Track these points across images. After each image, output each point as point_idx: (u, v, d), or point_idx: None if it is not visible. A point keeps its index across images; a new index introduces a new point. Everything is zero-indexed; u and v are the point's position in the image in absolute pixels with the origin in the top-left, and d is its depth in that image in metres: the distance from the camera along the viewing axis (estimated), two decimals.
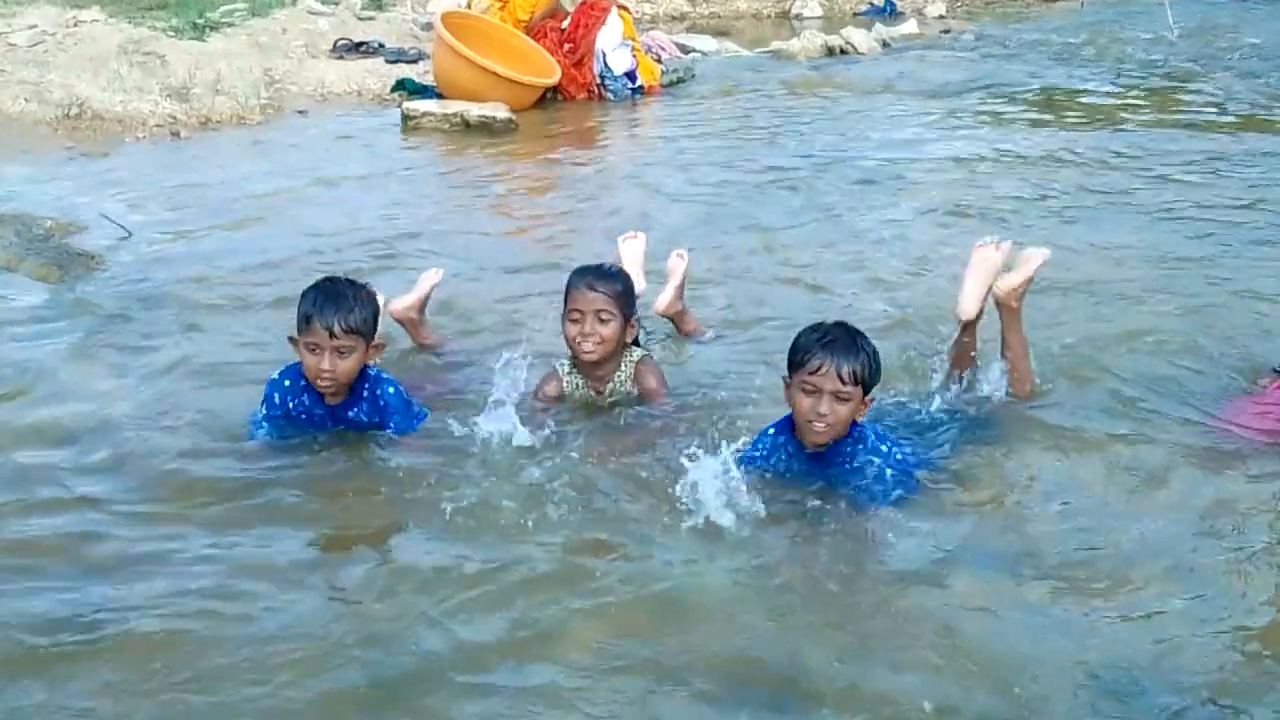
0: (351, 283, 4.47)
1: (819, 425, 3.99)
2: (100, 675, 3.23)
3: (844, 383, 3.93)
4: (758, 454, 4.21)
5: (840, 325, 4.09)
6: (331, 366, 4.31)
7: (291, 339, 4.42)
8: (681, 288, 5.47)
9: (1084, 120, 10.52)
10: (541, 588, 3.60)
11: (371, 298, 4.46)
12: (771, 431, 4.23)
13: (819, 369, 3.95)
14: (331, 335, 4.27)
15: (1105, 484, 4.23)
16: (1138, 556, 3.76)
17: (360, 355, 4.37)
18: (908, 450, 4.21)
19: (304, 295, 4.39)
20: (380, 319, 4.57)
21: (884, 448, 4.11)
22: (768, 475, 4.16)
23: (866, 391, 4.01)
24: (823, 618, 3.48)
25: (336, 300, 4.30)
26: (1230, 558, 3.75)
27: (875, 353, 4.05)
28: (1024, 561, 3.74)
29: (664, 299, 5.37)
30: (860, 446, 4.09)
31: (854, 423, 4.05)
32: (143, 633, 3.41)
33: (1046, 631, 3.39)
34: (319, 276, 4.56)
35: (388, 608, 3.51)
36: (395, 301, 5.31)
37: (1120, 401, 4.83)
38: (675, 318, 5.48)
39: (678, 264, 5.47)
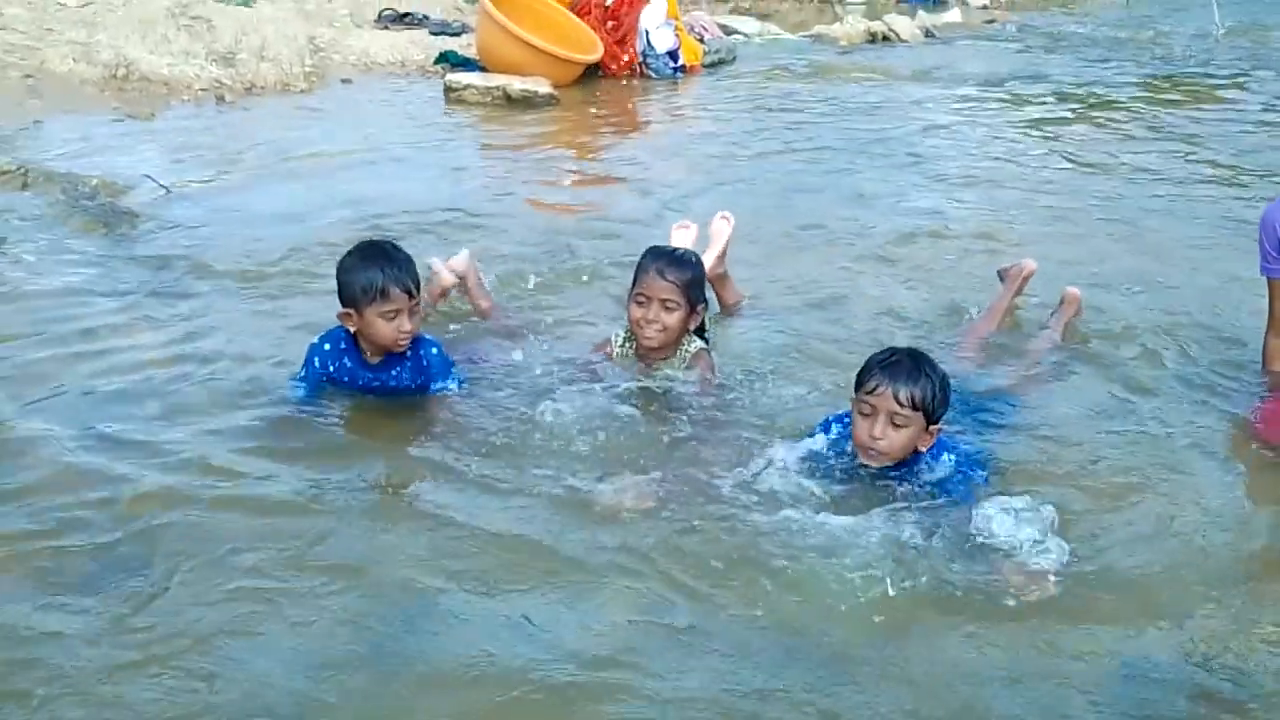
0: (384, 241, 4.54)
1: (871, 450, 3.91)
2: (131, 619, 3.29)
3: (901, 405, 3.83)
4: (819, 444, 4.12)
5: (909, 350, 4.00)
6: (412, 325, 4.40)
7: (344, 314, 4.41)
8: (724, 253, 5.46)
9: (1125, 114, 10.48)
10: (570, 562, 3.59)
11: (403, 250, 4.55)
12: (836, 428, 4.13)
13: (875, 389, 3.86)
14: (410, 296, 4.35)
15: (1148, 484, 4.18)
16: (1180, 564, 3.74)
17: (420, 308, 4.50)
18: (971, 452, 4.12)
19: (356, 267, 4.36)
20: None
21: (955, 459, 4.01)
22: (821, 466, 4.06)
23: (931, 420, 3.92)
24: (854, 610, 3.46)
25: (399, 262, 4.36)
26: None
27: (944, 381, 3.93)
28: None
29: (707, 263, 5.23)
30: (925, 467, 3.98)
31: (918, 452, 3.96)
32: (180, 582, 3.46)
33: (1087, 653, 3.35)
34: (354, 243, 4.59)
35: (411, 572, 3.53)
36: (452, 260, 5.33)
37: (1159, 392, 4.85)
38: (716, 282, 5.43)
39: (722, 226, 5.48)
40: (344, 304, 4.41)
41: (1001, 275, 5.63)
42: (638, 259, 4.74)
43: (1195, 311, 5.64)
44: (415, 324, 4.44)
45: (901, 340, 5.25)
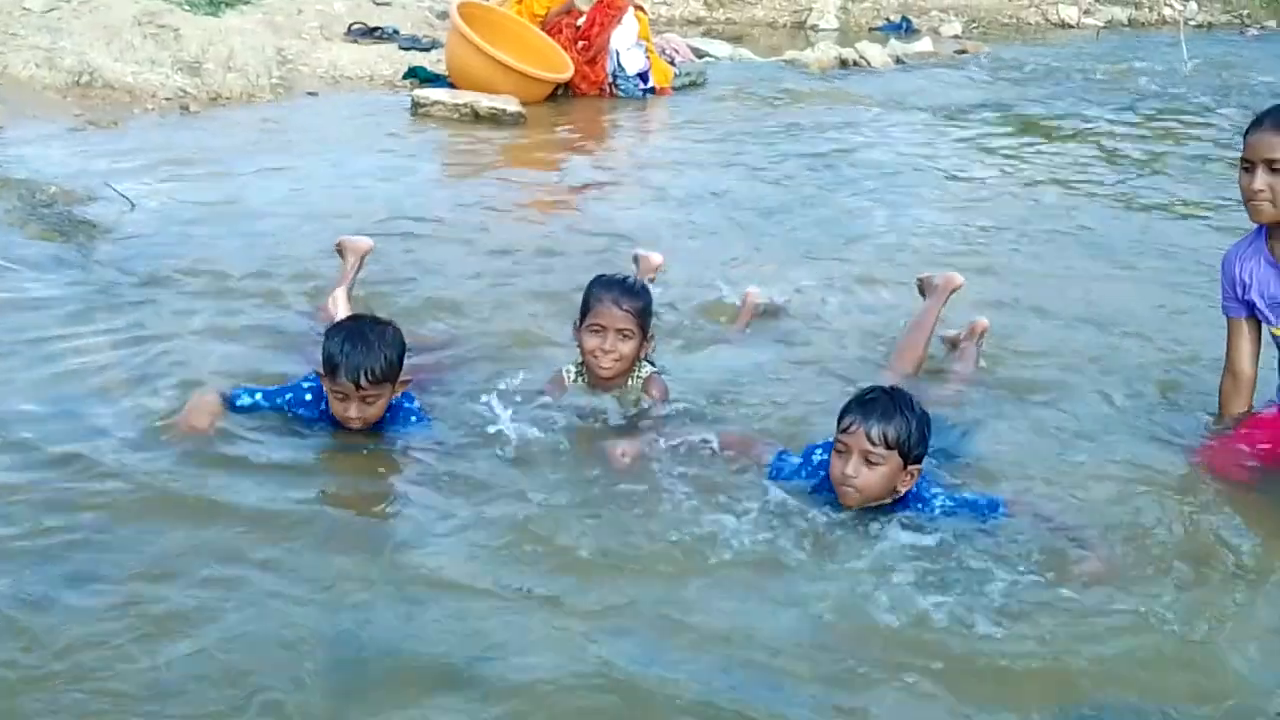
0: (377, 323, 4.38)
1: (845, 488, 3.88)
2: (86, 624, 3.25)
3: (873, 444, 3.82)
4: (795, 468, 4.12)
5: (886, 389, 3.99)
6: (359, 414, 4.27)
7: (320, 374, 4.34)
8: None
9: (1092, 145, 10.52)
10: (528, 593, 3.54)
11: (398, 337, 4.37)
12: (817, 455, 4.11)
13: (849, 427, 3.86)
14: (358, 387, 4.21)
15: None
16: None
17: (387, 399, 4.32)
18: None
19: (328, 336, 4.32)
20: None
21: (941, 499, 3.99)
22: (797, 491, 4.05)
23: (910, 460, 3.89)
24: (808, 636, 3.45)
25: (363, 349, 4.20)
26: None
27: (923, 419, 3.91)
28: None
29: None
30: (909, 507, 3.96)
31: (901, 493, 3.94)
32: (130, 590, 3.42)
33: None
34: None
35: (367, 608, 3.45)
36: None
37: (1110, 420, 4.86)
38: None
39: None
40: None
41: (922, 287, 5.55)
42: (586, 286, 4.72)
43: (1145, 345, 5.64)
44: (370, 414, 4.30)
45: (855, 363, 5.31)
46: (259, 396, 4.48)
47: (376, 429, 4.39)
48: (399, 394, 4.40)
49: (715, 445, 4.31)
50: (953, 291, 5.41)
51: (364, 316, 4.52)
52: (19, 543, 3.62)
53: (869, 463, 3.86)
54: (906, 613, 3.48)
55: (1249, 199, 4.35)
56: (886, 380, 4.60)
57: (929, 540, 3.82)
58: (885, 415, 3.85)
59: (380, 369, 4.22)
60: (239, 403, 4.45)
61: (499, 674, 3.16)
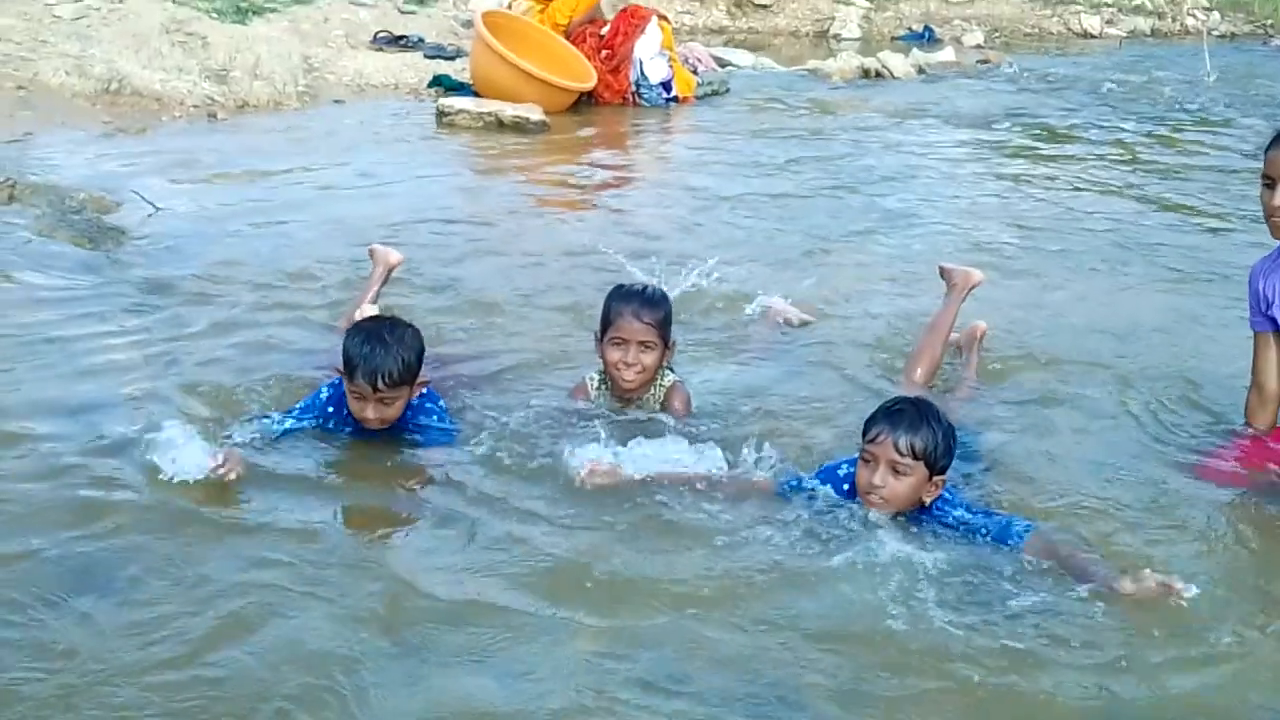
0: (396, 325, 4.40)
1: (873, 498, 3.91)
2: (108, 645, 3.27)
3: (900, 454, 3.85)
4: (818, 484, 4.13)
5: (913, 400, 4.03)
6: (376, 414, 4.31)
7: (339, 371, 4.37)
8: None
9: (1114, 155, 10.52)
10: (542, 613, 3.51)
11: (416, 339, 4.40)
12: (841, 472, 4.13)
13: (876, 437, 3.89)
14: (374, 389, 4.25)
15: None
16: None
17: (405, 399, 4.35)
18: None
19: (348, 336, 4.35)
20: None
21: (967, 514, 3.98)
22: (819, 503, 4.06)
23: (935, 471, 3.92)
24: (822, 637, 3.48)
25: (380, 352, 4.22)
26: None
27: (949, 431, 3.93)
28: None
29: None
30: (932, 518, 3.97)
31: (926, 504, 3.96)
32: (156, 597, 3.46)
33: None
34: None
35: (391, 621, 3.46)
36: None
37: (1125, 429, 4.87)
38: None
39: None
40: None
41: (944, 274, 5.53)
42: (605, 298, 4.73)
43: (1168, 356, 5.63)
44: (388, 414, 4.34)
45: (876, 371, 5.33)
46: (290, 421, 4.46)
47: (397, 428, 4.43)
48: (420, 392, 4.44)
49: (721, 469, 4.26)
50: (971, 289, 5.41)
51: (384, 318, 4.56)
52: (49, 552, 3.65)
53: (896, 472, 3.89)
54: (930, 628, 3.47)
55: (1270, 215, 4.34)
56: (906, 388, 4.64)
57: (954, 553, 3.82)
58: (913, 426, 3.88)
59: (397, 372, 4.26)
60: (277, 431, 4.42)
61: (511, 692, 3.17)
